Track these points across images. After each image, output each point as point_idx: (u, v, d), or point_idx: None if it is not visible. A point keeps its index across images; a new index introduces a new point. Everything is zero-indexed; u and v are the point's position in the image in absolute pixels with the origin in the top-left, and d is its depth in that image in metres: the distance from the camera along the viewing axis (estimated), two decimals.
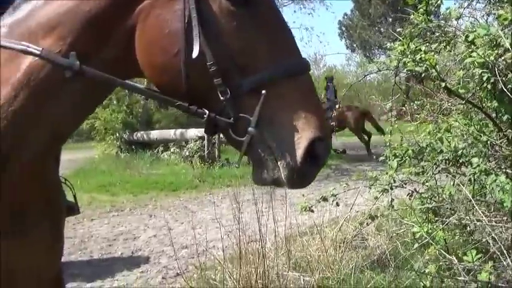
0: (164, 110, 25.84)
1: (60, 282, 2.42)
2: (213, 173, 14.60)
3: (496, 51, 3.39)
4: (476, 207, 3.74)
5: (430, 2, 3.99)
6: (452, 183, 4.15)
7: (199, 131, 16.98)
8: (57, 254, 2.29)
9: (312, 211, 5.58)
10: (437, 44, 4.32)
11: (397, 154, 4.66)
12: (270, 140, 1.63)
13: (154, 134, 20.11)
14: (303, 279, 4.71)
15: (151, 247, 7.27)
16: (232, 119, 1.65)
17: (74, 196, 2.71)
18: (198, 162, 15.63)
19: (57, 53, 1.75)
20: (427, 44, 4.19)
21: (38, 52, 1.75)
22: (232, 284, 4.43)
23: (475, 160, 3.67)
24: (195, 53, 1.60)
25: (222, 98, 1.63)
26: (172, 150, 18.07)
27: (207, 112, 1.67)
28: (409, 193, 5.39)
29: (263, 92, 1.60)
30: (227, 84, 1.62)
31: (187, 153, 16.62)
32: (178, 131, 18.65)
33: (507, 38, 3.36)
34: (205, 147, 16.21)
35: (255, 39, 1.65)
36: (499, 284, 3.56)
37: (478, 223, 3.87)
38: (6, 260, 1.99)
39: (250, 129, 1.62)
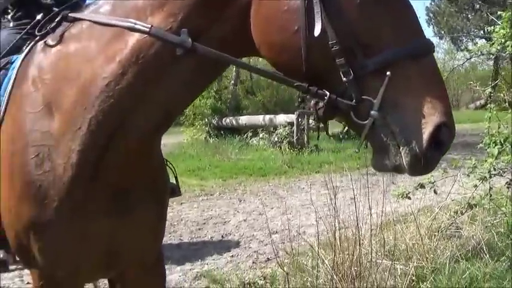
0: (252, 96, 26.00)
1: (161, 268, 2.42)
2: (302, 158, 14.50)
3: None
4: None
5: None
6: None
7: (288, 117, 16.93)
8: (159, 235, 2.30)
9: (409, 198, 5.41)
10: None
11: (497, 141, 4.44)
12: (393, 125, 1.52)
13: (243, 119, 20.24)
14: (398, 268, 4.54)
15: (241, 231, 7.28)
16: (354, 101, 1.54)
17: (176, 178, 2.71)
18: (287, 148, 15.61)
19: (168, 30, 1.72)
20: None
21: (146, 29, 1.73)
22: (324, 270, 4.33)
23: None
24: (317, 31, 1.51)
25: (344, 79, 1.53)
26: (261, 135, 18.13)
27: (328, 94, 1.58)
28: (508, 182, 5.13)
29: (388, 73, 1.49)
30: (349, 64, 1.52)
31: (276, 139, 16.62)
32: (267, 116, 18.69)
33: None
34: (294, 133, 16.14)
35: (379, 17, 1.54)
36: None
37: None
38: (109, 241, 2.00)
39: (372, 112, 1.52)
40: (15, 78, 2.10)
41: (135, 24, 1.75)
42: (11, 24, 2.69)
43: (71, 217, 1.89)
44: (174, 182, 2.58)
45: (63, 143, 1.86)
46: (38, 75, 1.99)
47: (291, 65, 1.61)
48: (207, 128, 20.78)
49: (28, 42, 2.26)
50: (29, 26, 2.24)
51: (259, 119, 19.11)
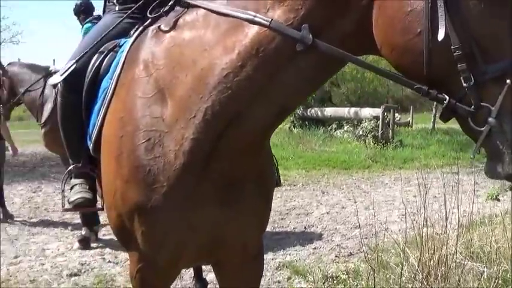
0: (337, 88, 25.79)
1: (261, 259, 2.45)
2: (386, 153, 14.35)
3: None
4: None
5: None
6: None
7: (374, 111, 16.76)
8: (263, 226, 2.34)
9: (498, 200, 5.30)
10: None
11: None
12: (510, 133, 1.51)
13: (329, 111, 20.15)
14: (483, 271, 4.48)
15: (324, 224, 7.31)
16: (473, 107, 1.53)
17: (277, 169, 2.75)
18: (371, 142, 15.47)
19: (288, 25, 1.70)
20: None
21: (266, 23, 1.71)
22: (408, 268, 4.34)
23: None
24: (441, 35, 1.50)
25: (464, 84, 1.52)
26: (345, 128, 18.03)
27: (448, 98, 1.57)
28: None
29: (507, 81, 1.48)
30: (470, 70, 1.51)
31: (360, 132, 16.51)
32: (353, 109, 18.55)
33: None
34: (380, 127, 15.96)
35: (502, 24, 1.51)
36: None
37: None
38: (215, 229, 2.03)
39: (490, 119, 1.50)
40: (124, 62, 2.13)
41: (255, 16, 1.73)
42: (117, 8, 2.75)
43: (179, 203, 1.91)
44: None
45: (175, 130, 1.88)
46: (151, 60, 2.00)
47: (412, 68, 1.60)
48: (291, 118, 20.81)
49: (137, 26, 2.30)
50: (133, 8, 2.30)
51: (345, 111, 19.00)
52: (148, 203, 1.91)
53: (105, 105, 2.15)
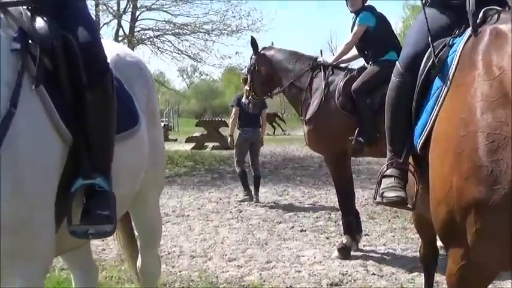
0: None
1: None
2: None
3: None
4: None
5: None
6: None
7: None
8: None
9: None
10: None
11: None
12: None
13: None
14: None
15: None
16: None
17: None
18: None
19: None
20: None
21: None
22: None
23: None
24: None
25: None
26: None
27: None
28: None
29: None
30: None
31: None
32: None
33: None
34: None
35: None
36: None
37: None
38: None
39: None
40: (457, 62, 2.24)
41: None
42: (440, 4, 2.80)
43: None
44: None
45: None
46: (494, 63, 2.02)
47: None
48: None
49: (463, 25, 2.39)
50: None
51: None
52: (487, 202, 1.94)
53: (439, 104, 2.28)
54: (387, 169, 2.77)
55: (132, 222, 3.40)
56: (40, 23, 2.19)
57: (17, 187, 1.90)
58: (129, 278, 4.46)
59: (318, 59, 6.14)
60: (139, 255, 3.36)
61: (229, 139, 9.54)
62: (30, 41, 2.07)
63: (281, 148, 19.59)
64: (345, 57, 6.05)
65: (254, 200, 8.90)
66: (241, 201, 8.99)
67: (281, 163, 14.48)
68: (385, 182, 2.75)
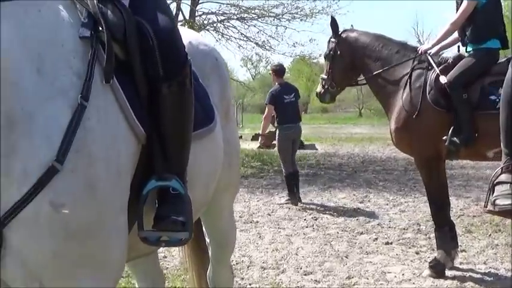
0: None
1: None
2: None
3: None
4: None
5: None
6: None
7: None
8: None
9: None
10: None
11: None
12: None
13: None
14: None
15: None
16: None
17: None
18: None
19: None
20: None
21: None
22: None
23: None
24: None
25: None
26: None
27: None
28: None
29: None
30: None
31: None
32: None
33: None
34: None
35: None
36: None
37: None
38: None
39: None
40: None
41: None
42: None
43: None
44: None
45: None
46: None
47: None
48: None
49: None
50: None
51: None
52: None
53: None
54: (502, 174, 2.60)
55: (203, 229, 3.21)
56: (111, 8, 1.96)
57: (89, 189, 1.72)
58: None
59: (421, 49, 5.38)
60: (211, 265, 3.17)
61: (260, 139, 9.29)
62: (100, 28, 1.84)
63: (359, 148, 18.64)
64: (444, 42, 5.32)
65: (298, 202, 8.59)
66: (282, 204, 8.70)
67: (360, 166, 13.70)
68: (499, 189, 2.59)
